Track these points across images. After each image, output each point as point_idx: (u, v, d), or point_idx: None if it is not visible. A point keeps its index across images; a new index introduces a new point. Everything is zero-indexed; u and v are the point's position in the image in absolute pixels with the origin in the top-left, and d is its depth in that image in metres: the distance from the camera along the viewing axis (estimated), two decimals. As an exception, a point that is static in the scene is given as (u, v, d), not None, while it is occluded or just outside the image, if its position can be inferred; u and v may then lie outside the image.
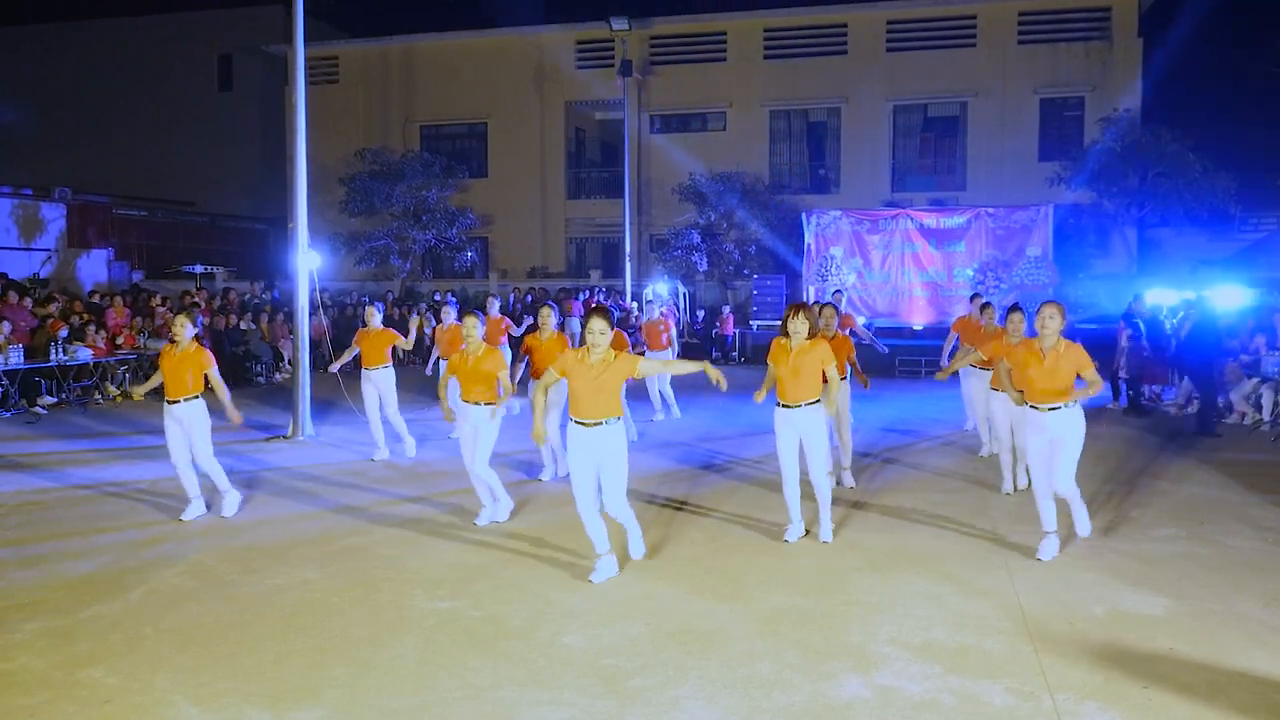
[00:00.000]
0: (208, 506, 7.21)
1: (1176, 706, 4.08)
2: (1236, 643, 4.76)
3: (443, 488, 8.09)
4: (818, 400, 6.18)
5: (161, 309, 16.04)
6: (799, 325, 6.12)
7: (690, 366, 5.78)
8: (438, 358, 10.52)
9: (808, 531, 6.51)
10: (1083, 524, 6.26)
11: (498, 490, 6.89)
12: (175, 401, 6.91)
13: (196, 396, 6.94)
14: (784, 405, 6.22)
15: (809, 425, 6.17)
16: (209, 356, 7.02)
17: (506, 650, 4.67)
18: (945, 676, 4.37)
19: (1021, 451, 7.56)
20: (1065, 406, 5.88)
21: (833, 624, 5.01)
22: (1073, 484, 6.01)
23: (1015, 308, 7.69)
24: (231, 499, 7.18)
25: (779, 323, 21.15)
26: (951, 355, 11.05)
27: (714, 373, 5.48)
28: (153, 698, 4.19)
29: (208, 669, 4.47)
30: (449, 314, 10.34)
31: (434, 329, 10.85)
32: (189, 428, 6.94)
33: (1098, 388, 5.93)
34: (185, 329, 6.93)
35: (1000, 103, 24.73)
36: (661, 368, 6.40)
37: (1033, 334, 7.53)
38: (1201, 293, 12.37)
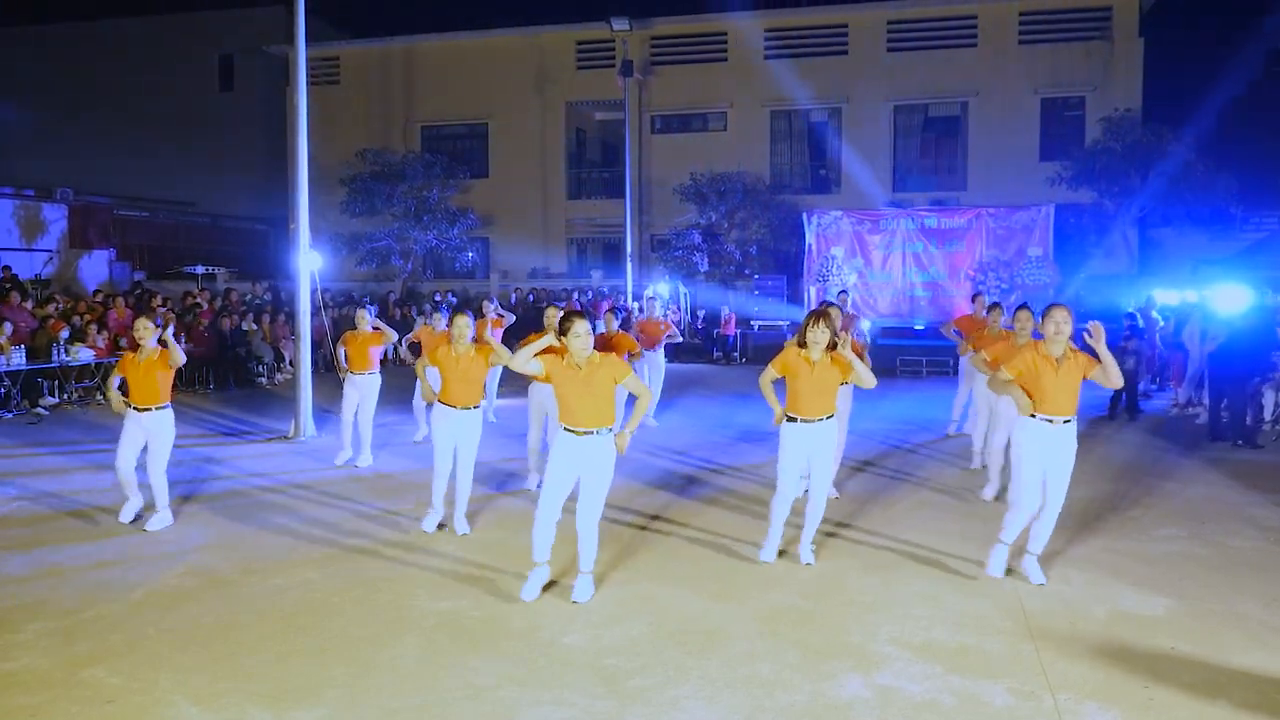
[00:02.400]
0: (139, 517, 6.91)
1: (1178, 706, 4.08)
2: (1237, 642, 4.76)
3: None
4: (834, 415, 5.83)
5: (163, 309, 16.05)
6: (819, 335, 5.66)
7: (643, 403, 5.42)
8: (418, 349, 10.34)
9: (783, 552, 6.08)
10: (1042, 540, 5.68)
11: (462, 501, 6.60)
12: (144, 409, 6.69)
13: (165, 406, 6.75)
14: (799, 420, 5.77)
15: (823, 442, 5.80)
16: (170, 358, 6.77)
17: (507, 650, 4.68)
18: (945, 676, 4.37)
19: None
20: (1072, 420, 5.48)
21: (833, 624, 5.02)
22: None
23: (1023, 307, 7.45)
24: (163, 517, 6.80)
25: (780, 323, 20.79)
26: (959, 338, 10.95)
27: (625, 435, 5.25)
28: (154, 697, 4.20)
29: (209, 669, 4.48)
30: (439, 321, 10.06)
31: (420, 327, 10.57)
32: (153, 436, 6.70)
33: (1116, 370, 5.39)
34: (150, 332, 6.69)
35: (1001, 103, 24.72)
36: (636, 386, 5.42)
37: (1038, 337, 7.47)
38: (1234, 305, 11.82)
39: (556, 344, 5.23)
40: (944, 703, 4.12)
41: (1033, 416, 5.50)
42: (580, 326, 5.15)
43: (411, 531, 6.77)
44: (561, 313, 8.20)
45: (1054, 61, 24.31)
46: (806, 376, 5.69)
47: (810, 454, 5.81)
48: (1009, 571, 5.80)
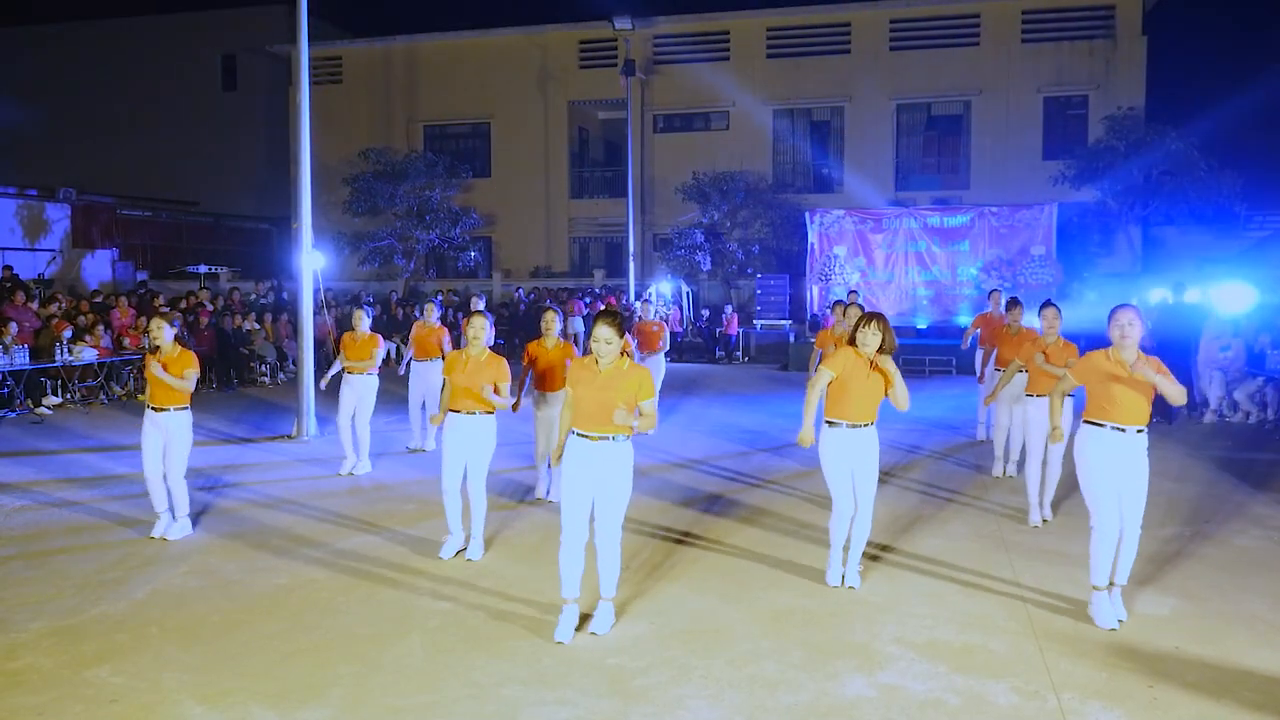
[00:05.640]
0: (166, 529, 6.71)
1: (1182, 705, 4.07)
2: (1243, 642, 4.75)
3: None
4: (874, 423, 5.46)
5: (166, 309, 16.06)
6: (870, 337, 5.31)
7: (644, 425, 4.94)
8: (410, 358, 9.97)
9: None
10: (1125, 567, 5.10)
11: (478, 519, 6.17)
12: (161, 409, 6.56)
13: (185, 407, 6.63)
14: (842, 425, 5.41)
15: (866, 450, 5.44)
16: (193, 357, 6.70)
17: (511, 649, 4.68)
18: (950, 675, 4.37)
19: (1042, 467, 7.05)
20: (1145, 430, 5.03)
21: (837, 623, 5.01)
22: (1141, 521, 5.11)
23: (1050, 304, 7.15)
24: (182, 525, 6.66)
25: (782, 322, 20.63)
26: (973, 345, 10.80)
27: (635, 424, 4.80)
28: (159, 696, 4.20)
29: (214, 668, 4.48)
30: (433, 312, 9.84)
31: (413, 325, 10.36)
32: (170, 437, 6.56)
33: (1181, 393, 4.94)
34: (165, 331, 6.59)
35: (1004, 101, 24.71)
36: (651, 411, 4.93)
37: (1070, 338, 7.31)
38: (1180, 294, 12.41)
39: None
40: (948, 702, 4.11)
41: (1099, 425, 5.05)
42: (601, 331, 4.78)
43: (417, 530, 6.77)
44: (560, 315, 8.14)
45: (1057, 60, 24.30)
46: (861, 380, 5.34)
47: (854, 462, 5.46)
48: (1014, 569, 5.79)
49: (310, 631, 4.93)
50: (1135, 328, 4.96)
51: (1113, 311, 5.08)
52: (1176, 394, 4.86)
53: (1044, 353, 7.01)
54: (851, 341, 5.47)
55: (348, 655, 4.63)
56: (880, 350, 5.34)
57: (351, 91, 29.05)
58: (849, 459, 5.45)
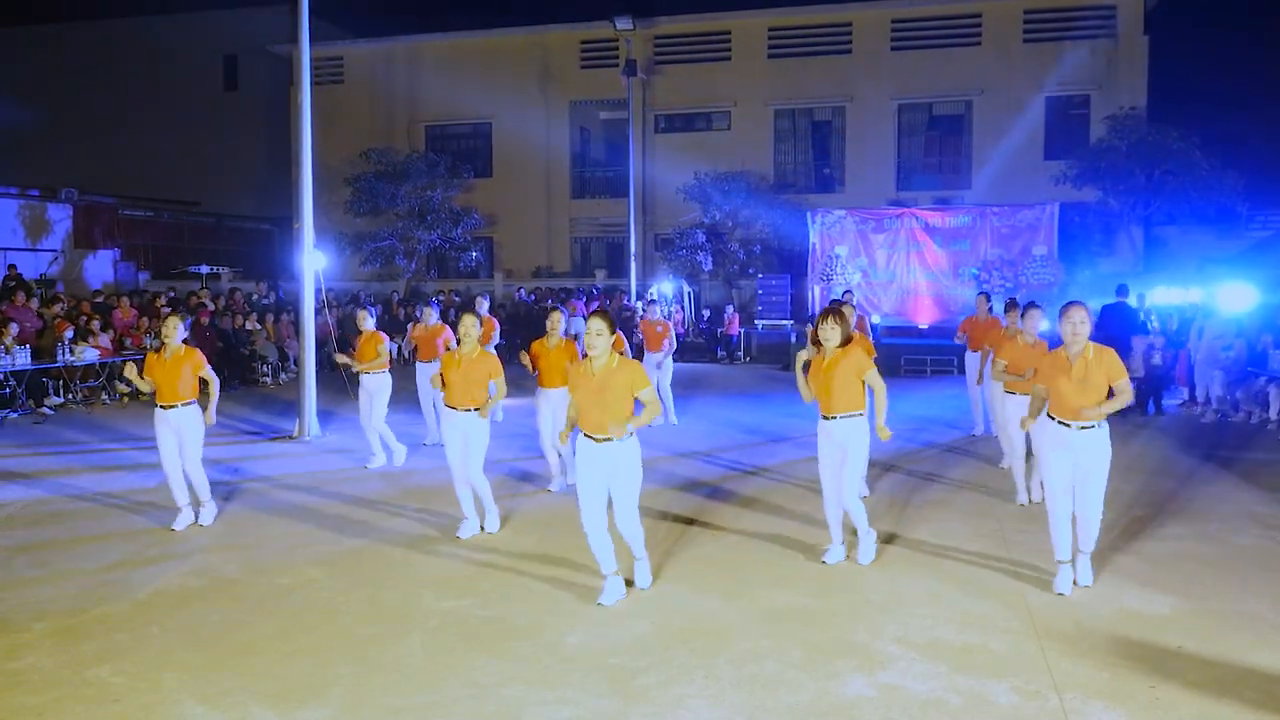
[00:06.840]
0: (196, 516, 6.99)
1: (1183, 704, 4.07)
2: (1244, 641, 4.75)
3: (448, 491, 8.07)
4: (862, 412, 5.70)
5: (167, 310, 16.05)
6: (829, 331, 5.62)
7: (649, 412, 5.22)
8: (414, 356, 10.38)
9: (847, 556, 5.99)
10: (1089, 538, 5.49)
11: (487, 501, 6.68)
12: (170, 407, 6.71)
13: (191, 402, 6.77)
14: (823, 417, 5.77)
15: (851, 439, 5.70)
16: (201, 356, 6.85)
17: (512, 649, 4.68)
18: (951, 675, 4.36)
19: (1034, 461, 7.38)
20: (1097, 424, 5.26)
21: (838, 623, 5.01)
22: (1101, 506, 5.42)
23: (1033, 305, 7.48)
24: (209, 509, 7.02)
25: (784, 322, 20.65)
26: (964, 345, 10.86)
27: (622, 426, 5.03)
28: (160, 696, 4.20)
29: (214, 668, 4.48)
30: (430, 314, 10.07)
31: (411, 326, 10.61)
32: (182, 434, 6.74)
33: (1127, 398, 5.27)
34: (177, 330, 6.75)
35: (1006, 101, 24.66)
36: (651, 398, 5.24)
37: (1043, 336, 7.46)
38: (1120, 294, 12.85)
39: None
40: (949, 702, 4.11)
41: (1050, 419, 5.38)
42: (593, 324, 5.12)
43: (417, 531, 6.78)
44: (566, 314, 8.24)
45: (1059, 60, 24.24)
46: (819, 376, 5.68)
47: (841, 450, 5.73)
48: (1015, 568, 5.79)
49: (311, 632, 4.93)
50: (1086, 325, 5.29)
51: (1065, 308, 5.37)
52: (1122, 400, 5.21)
53: (1009, 346, 7.53)
54: (816, 343, 5.76)
55: (348, 655, 4.63)
56: (846, 341, 5.66)
57: (353, 92, 29.03)
58: (835, 448, 5.77)
